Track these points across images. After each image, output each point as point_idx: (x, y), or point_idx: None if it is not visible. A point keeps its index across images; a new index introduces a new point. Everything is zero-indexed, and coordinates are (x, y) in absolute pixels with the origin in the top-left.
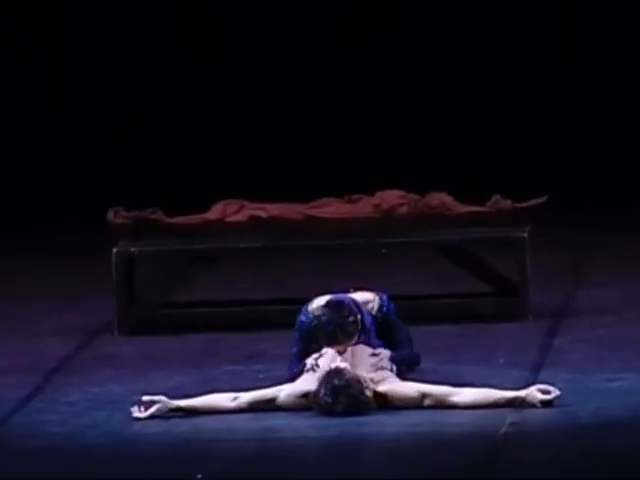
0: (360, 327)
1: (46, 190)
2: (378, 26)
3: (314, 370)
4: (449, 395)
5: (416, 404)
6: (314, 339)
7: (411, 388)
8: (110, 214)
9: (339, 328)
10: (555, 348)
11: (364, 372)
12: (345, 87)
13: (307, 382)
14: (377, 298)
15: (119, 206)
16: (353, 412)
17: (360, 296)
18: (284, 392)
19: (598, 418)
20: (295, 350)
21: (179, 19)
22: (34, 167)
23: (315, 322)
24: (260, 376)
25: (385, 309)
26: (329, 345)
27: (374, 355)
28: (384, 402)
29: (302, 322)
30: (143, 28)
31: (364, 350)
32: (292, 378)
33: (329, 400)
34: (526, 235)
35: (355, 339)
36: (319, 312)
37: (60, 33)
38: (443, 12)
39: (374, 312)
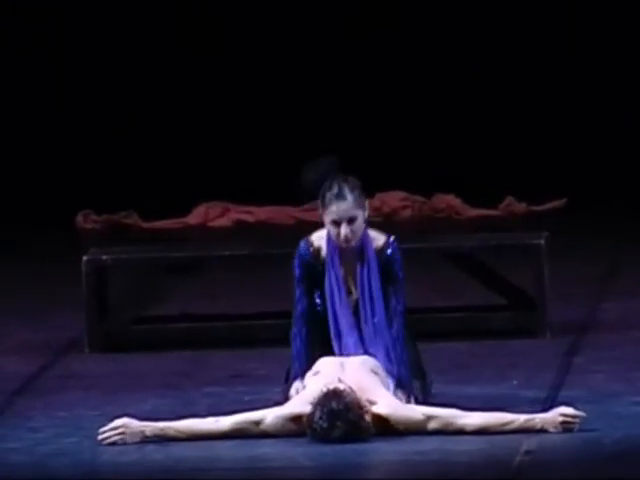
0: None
1: (8, 190)
2: (380, 26)
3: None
4: (457, 418)
5: (420, 428)
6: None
7: (415, 410)
8: (79, 218)
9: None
10: (576, 368)
11: (361, 392)
12: (345, 82)
13: (299, 404)
14: (386, 238)
15: (89, 209)
16: (351, 438)
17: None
18: (272, 415)
19: (624, 446)
20: (298, 291)
21: (161, 29)
22: None
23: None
24: (246, 398)
25: (390, 252)
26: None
27: (374, 373)
28: (385, 426)
29: (301, 254)
30: (126, 35)
31: (364, 366)
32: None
33: (325, 425)
34: (543, 242)
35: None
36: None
37: (44, 41)
38: (449, 10)
39: (379, 247)
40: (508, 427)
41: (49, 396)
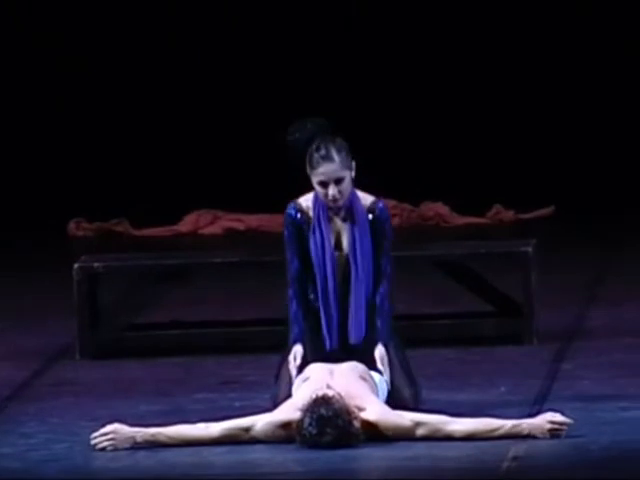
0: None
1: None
2: (371, 40)
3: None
4: (445, 424)
5: (409, 434)
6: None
7: (403, 417)
8: (71, 225)
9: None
10: (563, 374)
11: (350, 398)
12: (337, 91)
13: (288, 410)
14: (374, 199)
15: (81, 216)
16: (340, 444)
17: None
18: (262, 421)
19: (611, 451)
20: (289, 253)
21: (155, 41)
22: None
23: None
24: (236, 404)
25: (379, 210)
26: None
27: (363, 379)
28: (374, 432)
29: (289, 214)
30: (120, 48)
31: (353, 372)
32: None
33: (314, 432)
34: (531, 249)
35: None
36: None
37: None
38: (440, 26)
39: (367, 206)
40: (496, 433)
41: (41, 402)
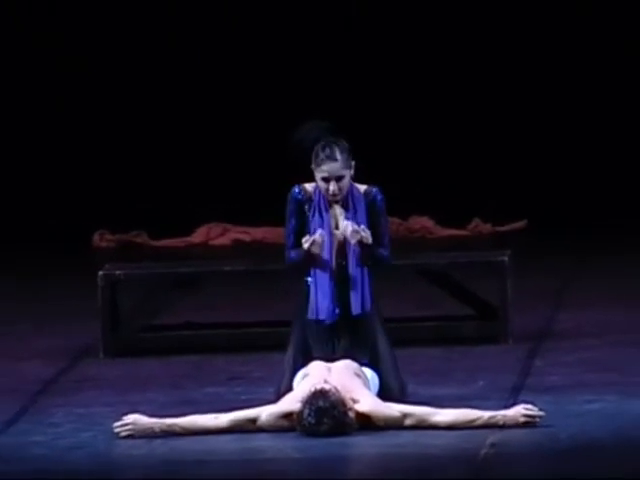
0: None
1: (31, 213)
2: (360, 52)
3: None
4: (430, 415)
5: (398, 424)
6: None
7: (393, 408)
8: (96, 237)
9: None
10: (535, 371)
11: (345, 392)
12: (331, 108)
13: (290, 402)
14: (370, 186)
15: (104, 229)
16: (336, 433)
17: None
18: (266, 412)
19: (578, 440)
20: (290, 225)
21: (165, 51)
22: (18, 185)
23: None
24: (242, 398)
25: (375, 192)
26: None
27: (357, 375)
28: (367, 422)
29: (294, 192)
30: (137, 60)
31: (348, 369)
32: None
33: (313, 421)
34: (506, 259)
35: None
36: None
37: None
38: (426, 39)
39: (364, 190)
40: (475, 423)
41: (68, 396)
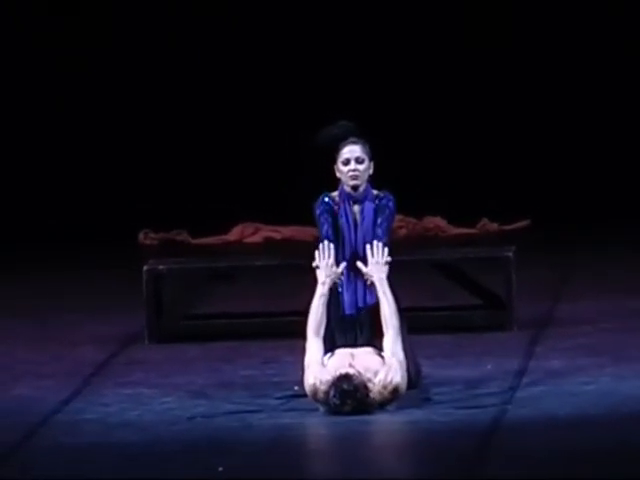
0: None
1: (85, 214)
2: (369, 54)
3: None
4: (387, 343)
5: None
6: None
7: (388, 362)
8: (141, 236)
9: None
10: (537, 355)
11: (366, 371)
12: (343, 110)
13: (322, 374)
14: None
15: (149, 228)
16: (358, 412)
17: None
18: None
19: (575, 417)
20: (323, 230)
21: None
22: (72, 186)
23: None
24: (275, 379)
25: (385, 201)
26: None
27: (380, 357)
28: (397, 393)
29: (323, 197)
30: (148, 54)
31: (369, 352)
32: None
33: (338, 402)
34: (512, 254)
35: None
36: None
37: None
38: (423, 44)
39: (376, 194)
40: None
41: (117, 378)
